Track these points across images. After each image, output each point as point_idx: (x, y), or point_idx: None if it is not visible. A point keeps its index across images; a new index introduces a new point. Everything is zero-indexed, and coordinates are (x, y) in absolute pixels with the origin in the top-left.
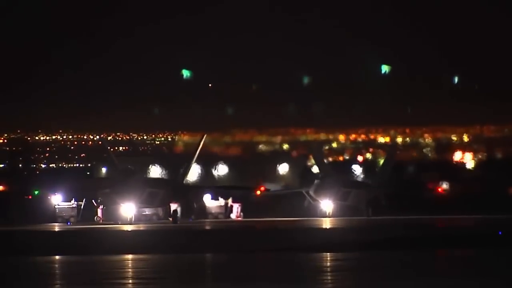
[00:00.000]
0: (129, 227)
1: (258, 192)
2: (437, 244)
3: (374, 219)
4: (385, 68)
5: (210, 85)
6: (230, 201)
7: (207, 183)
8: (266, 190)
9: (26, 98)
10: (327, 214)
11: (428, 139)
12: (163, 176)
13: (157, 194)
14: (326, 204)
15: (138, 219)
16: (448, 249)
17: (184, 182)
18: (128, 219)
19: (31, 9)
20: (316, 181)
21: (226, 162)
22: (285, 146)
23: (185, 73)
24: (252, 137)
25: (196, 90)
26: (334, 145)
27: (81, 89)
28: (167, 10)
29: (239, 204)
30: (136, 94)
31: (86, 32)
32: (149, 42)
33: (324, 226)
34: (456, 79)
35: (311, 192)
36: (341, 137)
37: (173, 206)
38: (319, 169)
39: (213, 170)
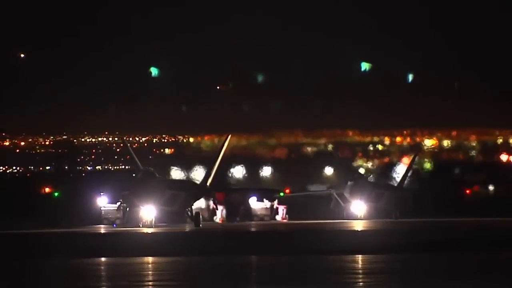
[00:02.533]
0: (150, 230)
1: (282, 194)
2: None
3: (401, 221)
4: (364, 66)
5: (218, 87)
6: (275, 203)
7: (253, 185)
8: (297, 191)
9: (72, 100)
10: (358, 216)
11: (473, 141)
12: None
13: (179, 196)
14: (358, 206)
15: (181, 221)
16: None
17: (208, 184)
18: (149, 222)
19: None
20: (349, 183)
21: (270, 163)
22: (329, 147)
23: (154, 71)
24: (297, 138)
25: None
26: (380, 147)
27: (126, 90)
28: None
29: (285, 206)
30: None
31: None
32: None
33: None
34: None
35: (346, 194)
36: (386, 139)
37: (220, 208)
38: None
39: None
